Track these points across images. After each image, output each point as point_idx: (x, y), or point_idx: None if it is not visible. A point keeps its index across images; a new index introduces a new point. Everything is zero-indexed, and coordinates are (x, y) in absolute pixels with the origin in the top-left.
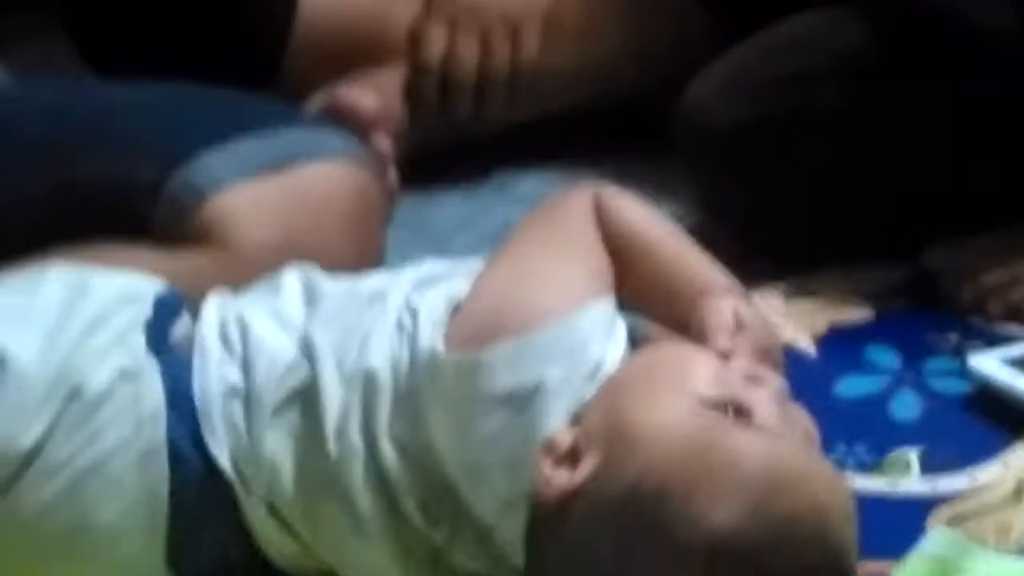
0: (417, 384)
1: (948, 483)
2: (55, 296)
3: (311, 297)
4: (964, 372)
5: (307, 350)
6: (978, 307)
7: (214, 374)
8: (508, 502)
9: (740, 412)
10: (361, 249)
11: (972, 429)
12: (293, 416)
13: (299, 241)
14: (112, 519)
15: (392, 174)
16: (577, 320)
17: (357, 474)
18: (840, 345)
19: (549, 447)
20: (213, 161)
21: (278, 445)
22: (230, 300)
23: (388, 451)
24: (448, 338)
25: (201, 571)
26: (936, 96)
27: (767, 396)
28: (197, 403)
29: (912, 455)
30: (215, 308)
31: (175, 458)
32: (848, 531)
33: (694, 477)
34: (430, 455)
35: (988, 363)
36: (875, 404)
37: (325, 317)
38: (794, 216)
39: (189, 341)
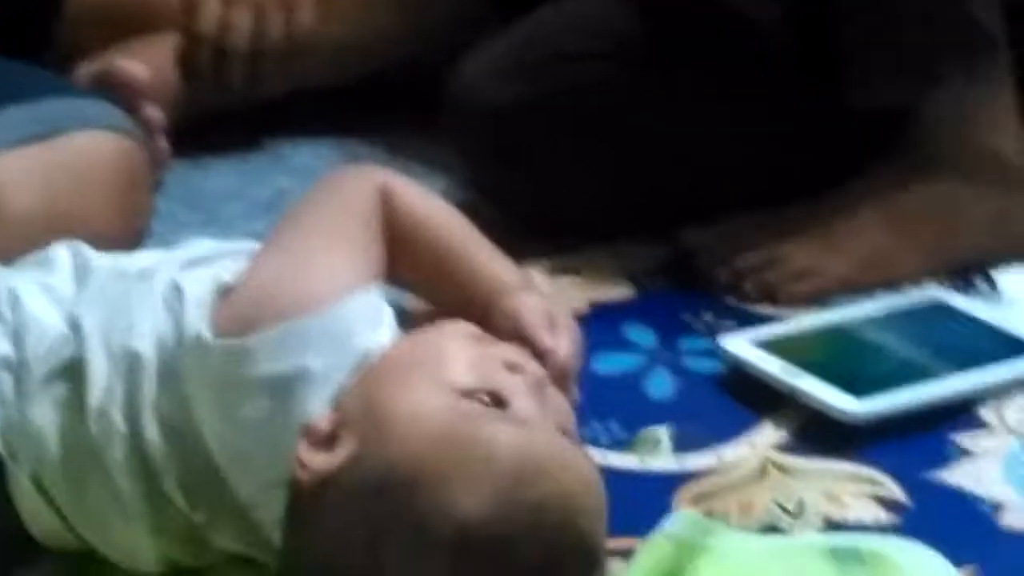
0: (182, 366)
1: (696, 461)
2: None
3: (81, 273)
4: (717, 352)
5: (75, 326)
6: (734, 288)
7: None
8: (268, 486)
9: (496, 401)
10: (127, 218)
11: (722, 408)
12: (60, 390)
13: (64, 210)
14: None
15: (162, 143)
16: (342, 308)
17: (118, 453)
18: (599, 323)
19: (307, 431)
20: None
21: (45, 419)
22: (2, 273)
23: (151, 431)
24: (215, 321)
25: None
26: (700, 81)
27: (524, 385)
28: None
29: (663, 433)
30: None
31: None
32: (598, 520)
33: (446, 466)
34: (194, 436)
35: (739, 344)
36: (630, 382)
37: (93, 294)
38: (559, 194)
39: None
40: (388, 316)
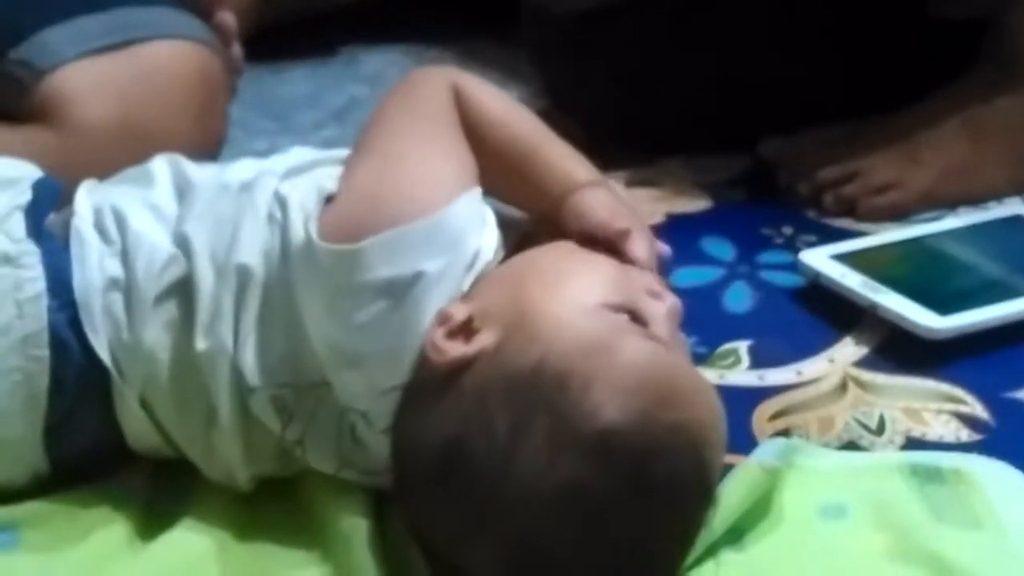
0: (291, 275)
1: (775, 376)
2: None
3: (182, 188)
4: (796, 266)
5: (183, 245)
6: (813, 201)
7: (95, 266)
8: (382, 390)
9: (637, 321)
10: (203, 129)
11: (801, 323)
12: (170, 309)
13: (138, 121)
14: None
15: (236, 50)
16: (452, 211)
17: (222, 370)
18: (677, 235)
19: (444, 318)
20: (53, 38)
21: (156, 338)
22: (102, 189)
23: (251, 348)
24: (321, 228)
25: (74, 455)
26: None
27: (663, 311)
28: (77, 294)
29: (742, 347)
30: (87, 197)
31: (56, 343)
32: (720, 455)
33: (594, 371)
34: (300, 347)
35: (818, 258)
36: (708, 295)
37: (197, 209)
38: (636, 105)
39: (66, 229)
40: (491, 217)
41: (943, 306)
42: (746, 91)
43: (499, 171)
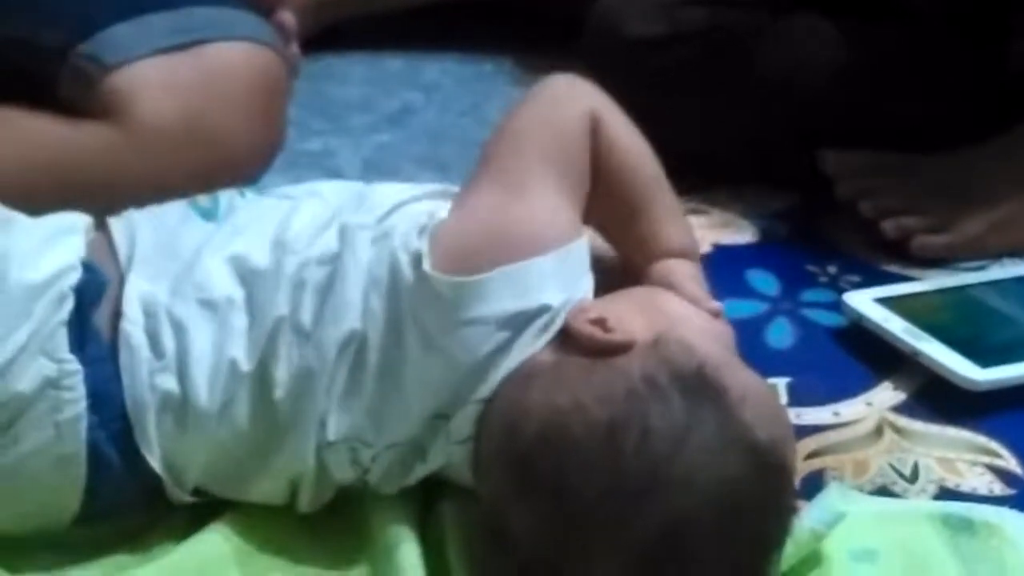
0: (399, 317)
1: (813, 415)
2: None
3: (243, 273)
4: (839, 306)
5: (261, 338)
6: (871, 224)
7: (144, 381)
8: (470, 401)
9: None
10: (264, 131)
11: (841, 364)
12: (239, 412)
13: (202, 121)
14: (23, 507)
15: (294, 49)
16: (576, 246)
17: (306, 434)
18: (722, 266)
19: (580, 309)
20: (122, 34)
21: (220, 442)
22: (152, 282)
23: (336, 402)
24: (435, 258)
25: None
26: (842, 30)
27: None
28: (129, 410)
29: (781, 384)
30: (136, 292)
31: (94, 459)
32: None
33: (744, 389)
34: (385, 404)
35: (862, 300)
36: (750, 329)
37: (272, 292)
38: (691, 134)
39: (114, 329)
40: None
41: (984, 358)
42: (800, 127)
43: (605, 208)
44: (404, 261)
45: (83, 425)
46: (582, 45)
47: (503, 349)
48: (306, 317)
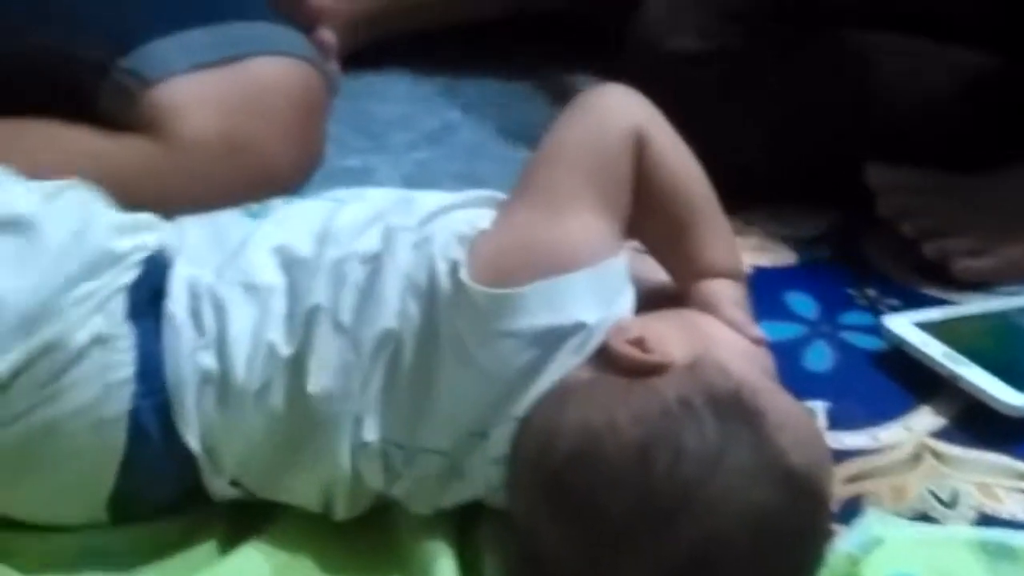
0: (436, 326)
1: (851, 439)
2: (55, 238)
3: (288, 264)
4: (878, 329)
5: (299, 326)
6: (912, 244)
7: (186, 357)
8: (505, 417)
9: None
10: (304, 147)
11: (880, 388)
12: (275, 397)
13: (242, 136)
14: (59, 475)
15: (334, 65)
16: (615, 264)
17: (343, 445)
18: (762, 288)
19: (620, 329)
20: (162, 48)
21: (256, 427)
22: (198, 267)
23: (372, 402)
24: (473, 270)
25: (140, 517)
26: (882, 49)
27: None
28: (168, 386)
29: (820, 408)
30: (184, 279)
31: (135, 428)
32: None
33: (782, 415)
34: (421, 412)
35: (902, 324)
36: (788, 352)
37: (307, 285)
38: (730, 153)
39: (158, 308)
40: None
41: None
42: (837, 147)
43: (650, 225)
44: (442, 270)
45: (129, 390)
46: (622, 61)
47: (537, 365)
48: (345, 314)
